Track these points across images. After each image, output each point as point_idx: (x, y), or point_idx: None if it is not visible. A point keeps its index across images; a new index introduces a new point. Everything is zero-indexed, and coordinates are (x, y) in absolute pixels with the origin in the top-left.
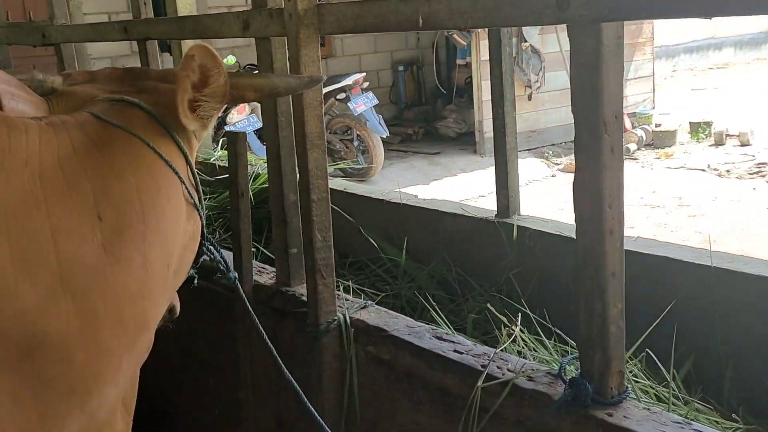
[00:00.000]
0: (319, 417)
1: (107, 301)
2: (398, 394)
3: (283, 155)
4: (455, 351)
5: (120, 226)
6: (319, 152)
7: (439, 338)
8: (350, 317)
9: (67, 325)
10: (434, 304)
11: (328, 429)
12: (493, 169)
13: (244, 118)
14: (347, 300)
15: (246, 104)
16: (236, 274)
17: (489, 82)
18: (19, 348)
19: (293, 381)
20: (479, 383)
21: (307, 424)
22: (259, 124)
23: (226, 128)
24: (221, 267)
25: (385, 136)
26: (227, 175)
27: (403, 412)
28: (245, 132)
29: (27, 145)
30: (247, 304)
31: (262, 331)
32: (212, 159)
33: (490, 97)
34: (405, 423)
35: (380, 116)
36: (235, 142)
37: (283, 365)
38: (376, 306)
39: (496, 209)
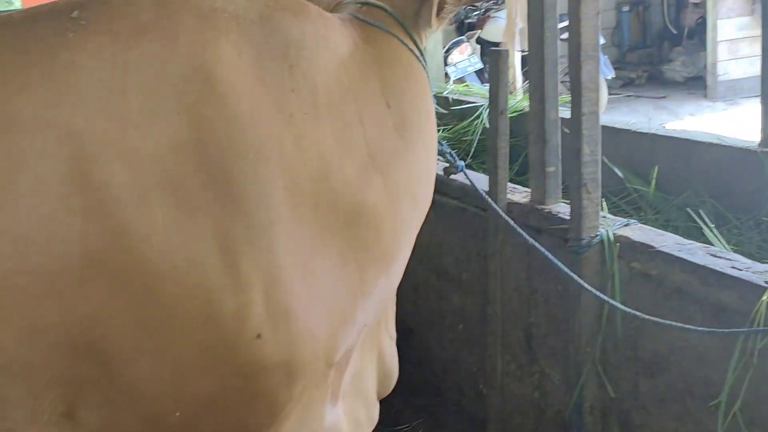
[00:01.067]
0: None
1: (405, 179)
2: (666, 311)
3: (547, 71)
4: (733, 267)
5: (402, 113)
6: (592, 64)
7: (714, 255)
8: (613, 233)
9: (378, 197)
10: (701, 225)
11: None
12: (725, 113)
13: (465, 58)
14: (606, 218)
15: (468, 45)
16: (463, 164)
17: (725, 21)
18: (345, 216)
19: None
20: (765, 297)
21: (556, 340)
22: (480, 65)
23: (446, 69)
24: (449, 159)
25: (610, 77)
26: (461, 107)
27: (670, 328)
28: (507, 51)
29: (335, 35)
30: (503, 216)
31: (541, 248)
32: (444, 92)
33: (725, 38)
34: (672, 340)
35: (606, 57)
36: (497, 60)
37: (573, 274)
38: (640, 224)
39: (759, 138)
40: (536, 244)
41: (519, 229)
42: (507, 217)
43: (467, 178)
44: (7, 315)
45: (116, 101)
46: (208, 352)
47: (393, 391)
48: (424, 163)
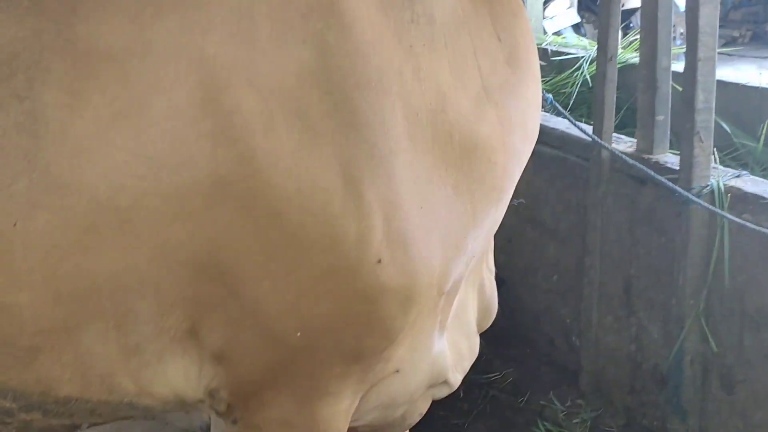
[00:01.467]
0: None
1: (516, 112)
2: None
3: (660, 17)
4: None
5: (512, 47)
6: (711, 8)
7: None
8: (724, 184)
9: (492, 130)
10: None
11: None
12: None
13: (563, 12)
14: (716, 168)
15: None
16: (551, 97)
17: None
18: (460, 148)
19: None
20: None
21: (656, 292)
22: (577, 19)
23: (544, 22)
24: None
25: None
26: (561, 58)
27: None
28: None
29: None
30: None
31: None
32: (543, 44)
33: None
34: None
35: None
36: (608, 5)
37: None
38: (752, 176)
39: None
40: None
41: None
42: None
43: (572, 123)
44: (141, 234)
45: (246, 28)
46: (330, 276)
47: (483, 340)
48: (533, 96)
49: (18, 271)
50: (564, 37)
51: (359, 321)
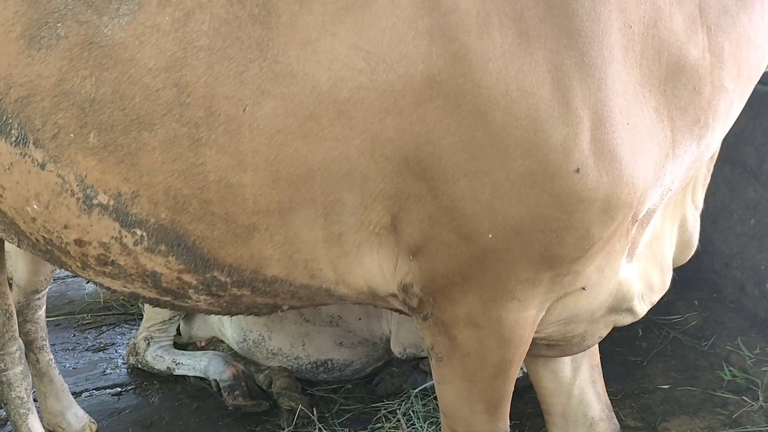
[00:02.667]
0: None
1: (731, 43)
2: None
3: None
4: None
5: None
6: None
7: None
8: None
9: (701, 56)
10: None
11: None
12: None
13: None
14: None
15: None
16: None
17: None
18: (666, 69)
19: None
20: None
21: None
22: None
23: None
24: None
25: None
26: None
27: None
28: None
29: None
30: None
31: None
32: None
33: None
34: None
35: None
36: None
37: None
38: None
39: None
40: None
41: None
42: None
43: None
44: (354, 126)
45: None
46: (527, 180)
47: None
48: (756, 32)
49: (244, 153)
50: None
51: (551, 228)
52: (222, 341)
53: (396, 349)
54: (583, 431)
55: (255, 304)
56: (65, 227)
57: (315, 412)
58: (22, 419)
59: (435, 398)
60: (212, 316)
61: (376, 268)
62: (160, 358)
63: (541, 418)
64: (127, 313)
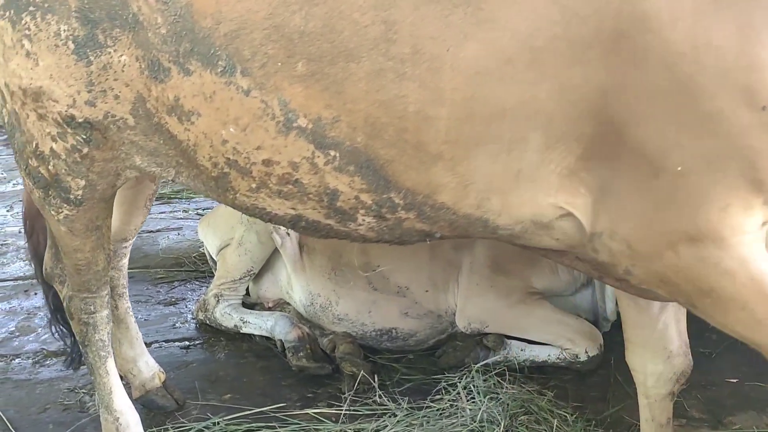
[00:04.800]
0: None
1: None
2: None
3: None
4: None
5: None
6: None
7: None
8: None
9: None
10: None
11: None
12: None
13: None
14: None
15: None
16: None
17: None
18: None
19: None
20: None
21: None
22: None
23: None
24: None
25: None
26: None
27: None
28: None
29: None
30: None
31: None
32: None
33: None
34: None
35: None
36: None
37: None
38: None
39: None
40: None
41: None
42: None
43: None
44: (545, 72)
45: None
46: (715, 117)
47: None
48: None
49: (444, 90)
50: None
51: (742, 155)
52: (289, 303)
53: (461, 323)
54: (660, 362)
55: (412, 230)
56: (258, 148)
57: (376, 380)
58: (101, 361)
59: (496, 374)
60: (282, 277)
61: (549, 203)
62: (229, 315)
63: (603, 402)
64: (198, 270)
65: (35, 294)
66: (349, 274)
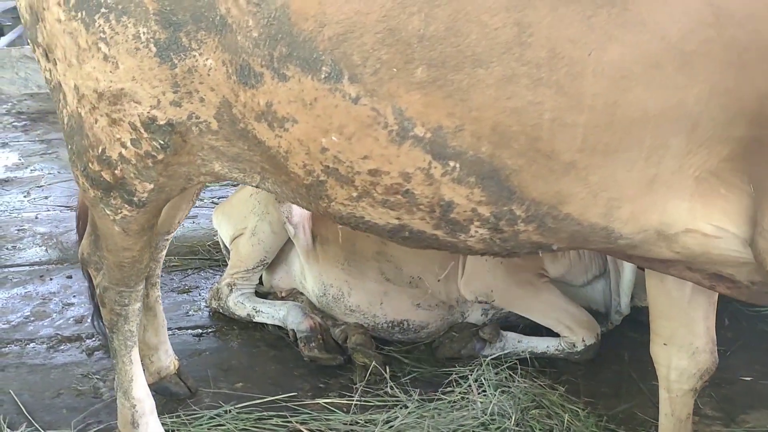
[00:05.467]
0: None
1: None
2: None
3: None
4: None
5: None
6: None
7: None
8: None
9: None
10: None
11: None
12: None
13: None
14: None
15: None
16: None
17: None
18: None
19: None
20: None
21: None
22: None
23: None
24: None
25: None
26: None
27: None
28: None
29: None
30: None
31: None
32: None
33: None
34: None
35: None
36: None
37: None
38: None
39: None
40: None
41: None
42: None
43: None
44: (696, 76)
45: None
46: None
47: None
48: None
49: (584, 95)
50: None
51: None
52: (302, 293)
53: (467, 293)
54: (685, 357)
55: (526, 242)
56: (365, 158)
57: (387, 371)
58: (126, 350)
59: (508, 367)
60: (296, 267)
61: (684, 209)
62: (241, 304)
63: (615, 398)
64: (212, 258)
65: (50, 279)
66: (362, 265)
